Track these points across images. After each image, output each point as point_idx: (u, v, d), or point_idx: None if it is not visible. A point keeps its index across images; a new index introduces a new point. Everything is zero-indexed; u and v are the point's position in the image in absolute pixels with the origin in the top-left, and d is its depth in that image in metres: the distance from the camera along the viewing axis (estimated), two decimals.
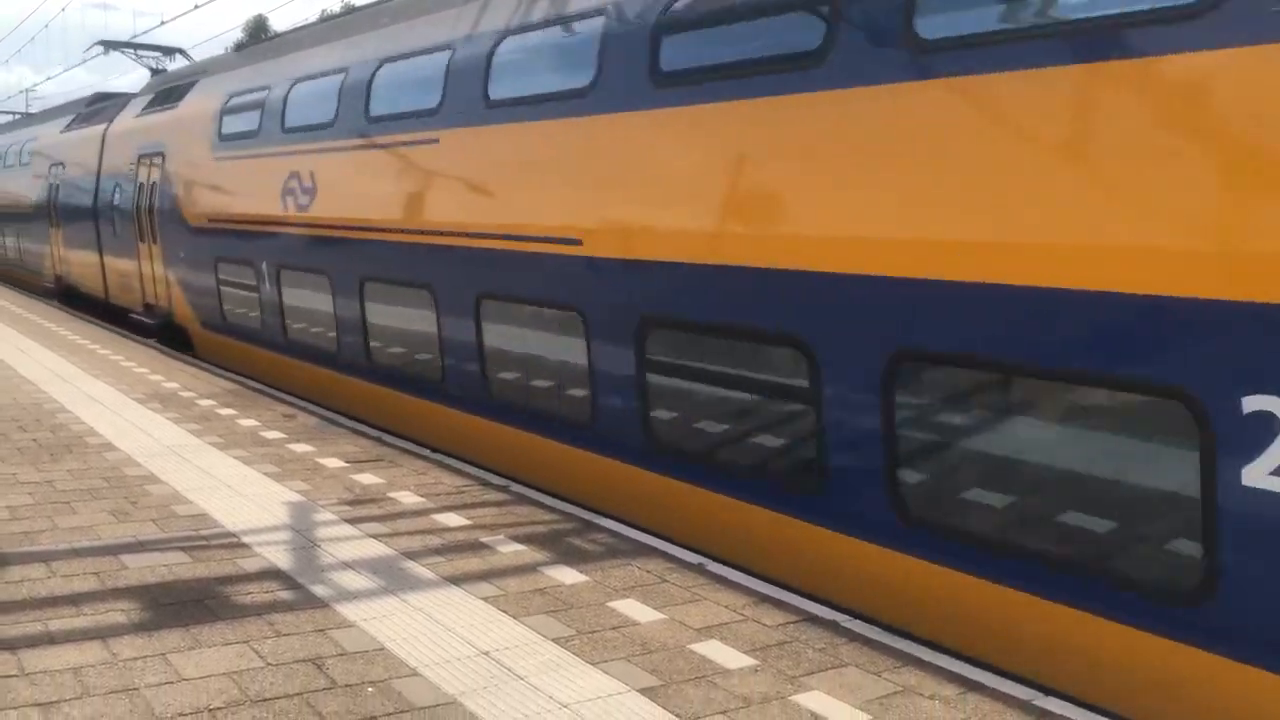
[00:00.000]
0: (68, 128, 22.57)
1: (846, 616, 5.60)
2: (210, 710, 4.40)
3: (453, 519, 7.18)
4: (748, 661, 4.99)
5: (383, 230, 10.34)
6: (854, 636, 5.32)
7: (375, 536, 6.75)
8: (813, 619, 5.53)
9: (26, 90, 63.95)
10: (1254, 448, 4.46)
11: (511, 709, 4.48)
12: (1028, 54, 5.24)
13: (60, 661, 4.79)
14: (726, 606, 5.68)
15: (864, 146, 6.03)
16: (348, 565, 6.21)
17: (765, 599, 5.81)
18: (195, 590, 5.76)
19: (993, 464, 5.62)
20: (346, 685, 4.66)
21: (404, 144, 10.11)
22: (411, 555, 6.41)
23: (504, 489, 8.03)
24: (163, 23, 23.69)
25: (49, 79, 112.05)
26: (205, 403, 11.16)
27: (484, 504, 7.59)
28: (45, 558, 6.21)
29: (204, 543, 6.57)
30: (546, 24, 8.75)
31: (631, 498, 7.76)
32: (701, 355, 7.31)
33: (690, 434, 7.43)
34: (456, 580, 6.00)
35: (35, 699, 4.44)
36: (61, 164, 21.50)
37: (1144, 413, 4.98)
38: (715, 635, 5.29)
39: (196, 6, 21.92)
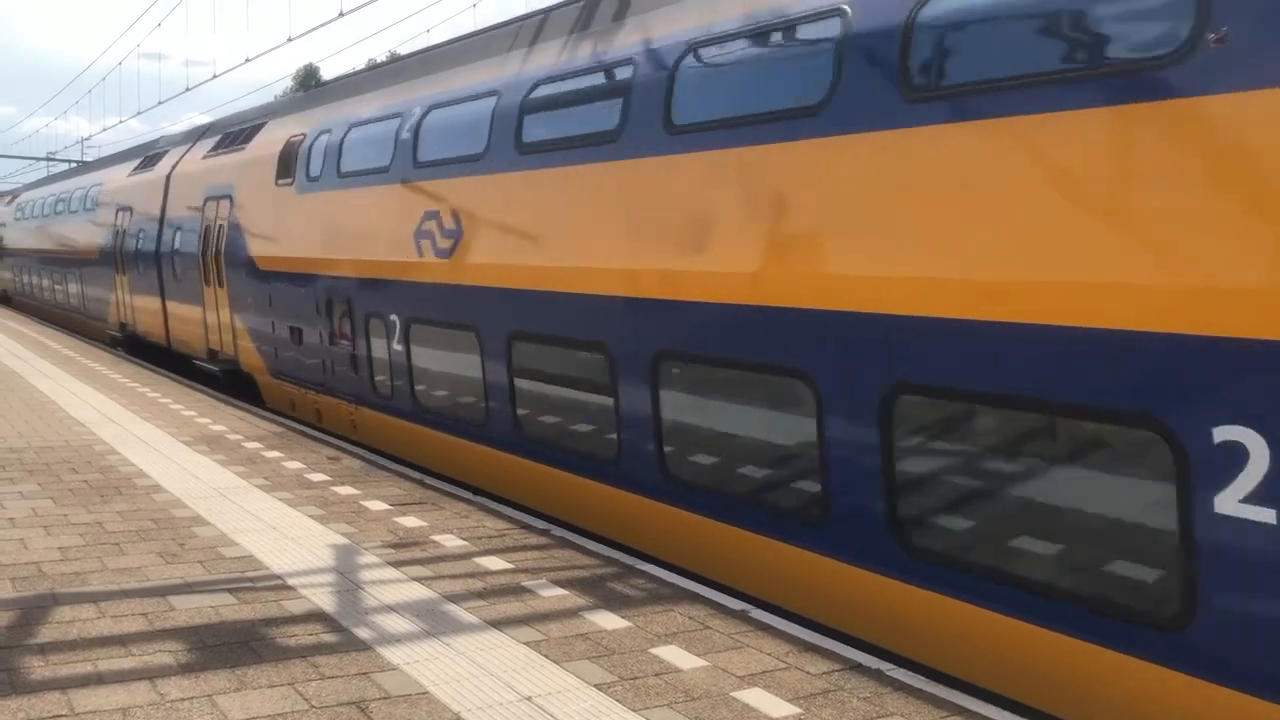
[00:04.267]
0: None
1: (891, 665, 5.53)
2: None
3: (495, 562, 7.20)
4: (791, 710, 4.94)
5: (59, 250, 30.07)
6: (899, 685, 5.25)
7: (418, 580, 6.78)
8: (857, 667, 5.47)
9: (82, 140, 65.73)
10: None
11: None
12: None
13: (109, 702, 4.85)
14: (769, 654, 5.63)
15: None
16: (391, 608, 6.23)
17: (809, 647, 5.75)
18: (241, 632, 5.81)
19: None
20: None
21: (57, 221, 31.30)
22: (454, 599, 6.43)
23: (545, 533, 8.04)
24: (215, 76, 24.32)
25: (105, 129, 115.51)
26: (251, 445, 11.30)
27: (526, 548, 7.60)
28: (95, 598, 6.30)
29: (250, 585, 6.64)
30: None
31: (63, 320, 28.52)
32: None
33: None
34: (498, 624, 6.01)
35: None
36: None
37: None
38: (758, 683, 5.25)
39: (248, 60, 22.54)
